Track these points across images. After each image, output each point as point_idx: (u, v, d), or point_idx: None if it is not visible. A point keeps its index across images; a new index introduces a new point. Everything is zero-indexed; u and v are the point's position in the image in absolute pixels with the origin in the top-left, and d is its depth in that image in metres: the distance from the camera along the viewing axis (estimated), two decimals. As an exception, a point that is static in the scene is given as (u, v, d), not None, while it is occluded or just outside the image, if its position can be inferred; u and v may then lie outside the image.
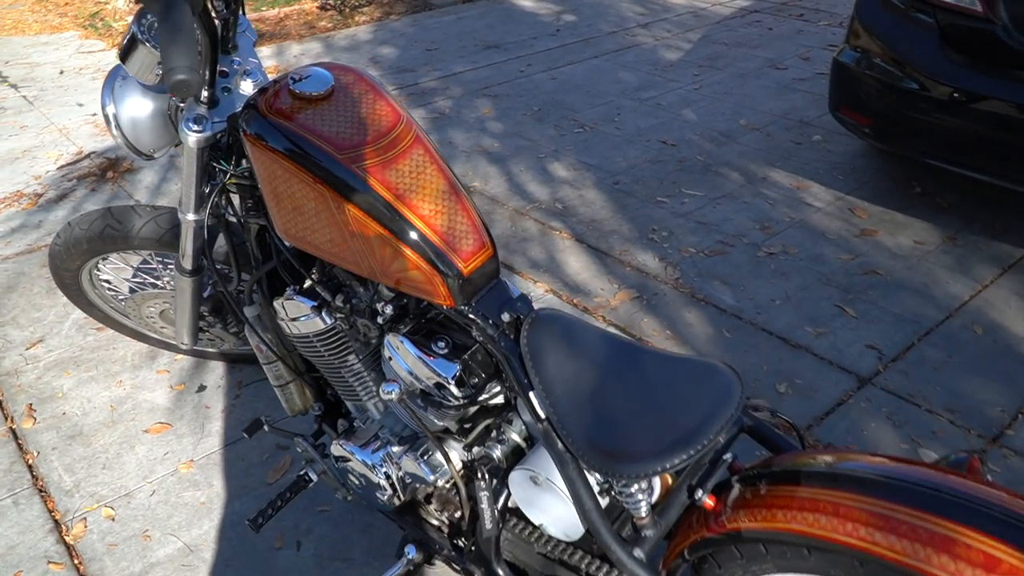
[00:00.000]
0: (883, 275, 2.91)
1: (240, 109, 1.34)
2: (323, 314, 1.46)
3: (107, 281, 2.12)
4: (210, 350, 2.31)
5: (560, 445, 1.21)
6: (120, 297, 2.15)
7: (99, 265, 2.05)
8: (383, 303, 1.38)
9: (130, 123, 1.49)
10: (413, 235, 1.24)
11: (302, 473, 1.71)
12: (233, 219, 1.54)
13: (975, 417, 2.24)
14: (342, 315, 1.45)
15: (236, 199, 1.54)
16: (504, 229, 3.24)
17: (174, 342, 2.32)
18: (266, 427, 1.75)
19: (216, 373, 2.40)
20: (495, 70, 5.09)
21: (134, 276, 2.09)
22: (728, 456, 1.25)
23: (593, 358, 1.26)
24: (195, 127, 1.35)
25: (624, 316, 2.69)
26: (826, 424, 2.23)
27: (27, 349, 2.49)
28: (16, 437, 2.16)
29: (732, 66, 5.05)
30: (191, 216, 1.54)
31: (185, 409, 2.26)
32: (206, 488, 2.00)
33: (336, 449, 1.58)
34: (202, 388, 2.34)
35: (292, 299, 1.47)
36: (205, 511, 1.94)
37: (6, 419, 2.22)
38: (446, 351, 1.34)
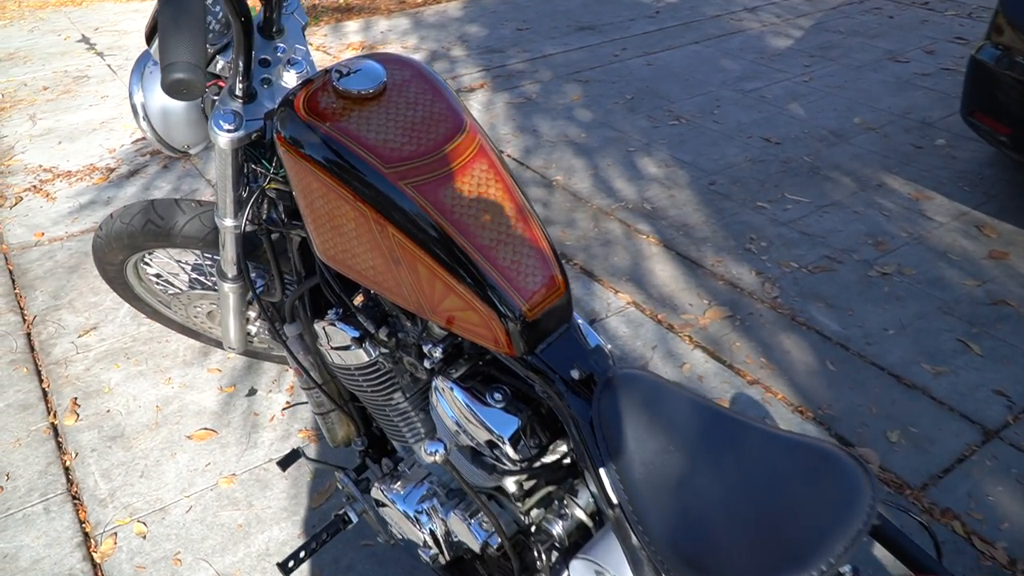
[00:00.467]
0: (1015, 307, 2.54)
1: (276, 106, 1.14)
2: (366, 346, 1.26)
3: (156, 276, 1.98)
4: (263, 351, 2.16)
5: (634, 540, 0.98)
6: (169, 292, 2.02)
7: (146, 259, 1.91)
8: (432, 343, 1.17)
9: (160, 114, 1.31)
10: (469, 269, 1.02)
11: (341, 512, 1.53)
12: (275, 227, 1.35)
13: None
14: (387, 350, 1.25)
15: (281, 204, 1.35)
16: (585, 230, 3.00)
17: None
18: (304, 458, 1.57)
19: (269, 376, 2.25)
20: (588, 53, 4.81)
21: (181, 273, 1.94)
22: (847, 569, 1.00)
23: (683, 435, 1.02)
24: (227, 125, 1.16)
25: (714, 337, 2.42)
26: (944, 484, 1.93)
27: (79, 336, 2.40)
28: (57, 434, 2.06)
29: (847, 57, 4.64)
30: (228, 222, 1.36)
31: (233, 415, 2.11)
32: (245, 508, 1.85)
33: (377, 494, 1.39)
34: (253, 392, 2.19)
35: (334, 324, 1.28)
36: (242, 535, 1.78)
37: (49, 413, 2.12)
38: (504, 404, 1.13)
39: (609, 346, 1.14)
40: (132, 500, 1.87)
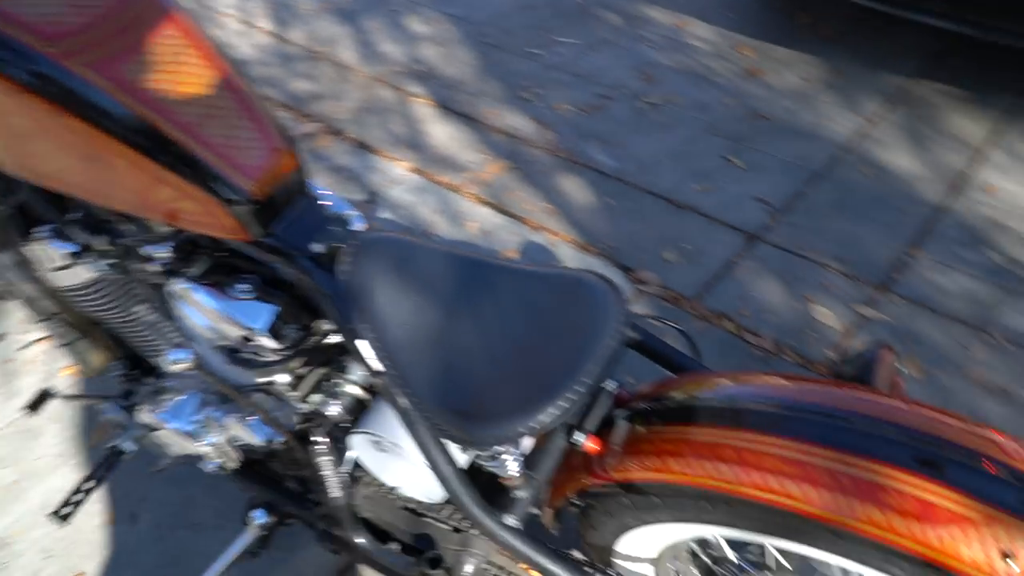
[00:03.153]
0: (770, 119, 2.70)
1: None
2: (85, 260, 1.12)
3: None
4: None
5: (403, 403, 0.95)
6: None
7: None
8: (157, 243, 1.05)
9: None
10: (175, 152, 0.90)
11: (112, 445, 1.42)
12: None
13: (864, 265, 2.12)
14: (112, 260, 1.12)
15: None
16: (356, 100, 2.85)
17: None
18: (58, 396, 1.42)
19: (19, 314, 2.02)
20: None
21: None
22: (611, 385, 1.03)
23: (438, 289, 0.99)
24: None
25: (496, 191, 2.41)
26: (716, 292, 2.06)
27: None
28: None
29: None
30: None
31: (-16, 362, 1.89)
32: (13, 464, 1.68)
33: (146, 417, 1.29)
34: (2, 337, 1.96)
35: (44, 244, 1.13)
36: (16, 493, 1.63)
37: None
38: (252, 295, 1.04)
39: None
40: None
